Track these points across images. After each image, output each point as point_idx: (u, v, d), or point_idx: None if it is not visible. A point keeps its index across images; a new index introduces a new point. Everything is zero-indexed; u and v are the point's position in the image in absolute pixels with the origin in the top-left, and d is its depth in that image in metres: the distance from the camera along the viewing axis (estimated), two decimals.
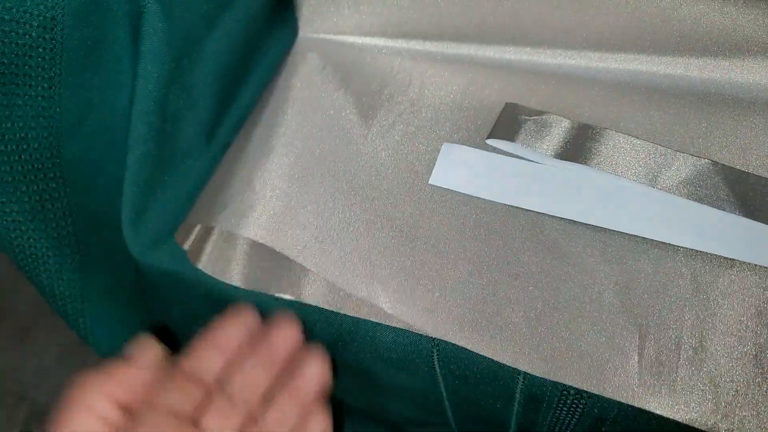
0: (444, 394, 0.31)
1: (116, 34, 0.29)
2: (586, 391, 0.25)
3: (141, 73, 0.28)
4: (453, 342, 0.26)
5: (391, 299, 0.27)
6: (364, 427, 0.41)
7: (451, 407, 0.33)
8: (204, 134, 0.32)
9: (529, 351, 0.25)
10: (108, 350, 0.36)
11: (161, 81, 0.28)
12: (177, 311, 0.36)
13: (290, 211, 0.29)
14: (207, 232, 0.31)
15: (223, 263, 0.30)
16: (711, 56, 0.30)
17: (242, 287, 0.29)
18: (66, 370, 0.89)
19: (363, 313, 0.28)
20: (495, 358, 0.25)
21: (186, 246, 0.30)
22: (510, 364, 0.25)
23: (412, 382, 0.30)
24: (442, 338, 0.26)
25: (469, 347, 0.26)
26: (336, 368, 0.30)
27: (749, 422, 0.23)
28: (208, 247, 0.30)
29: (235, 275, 0.30)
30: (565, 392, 0.25)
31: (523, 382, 0.26)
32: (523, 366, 0.25)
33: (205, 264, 0.30)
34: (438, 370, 0.28)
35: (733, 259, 0.25)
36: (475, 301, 0.26)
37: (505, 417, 0.30)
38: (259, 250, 0.30)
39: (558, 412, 0.27)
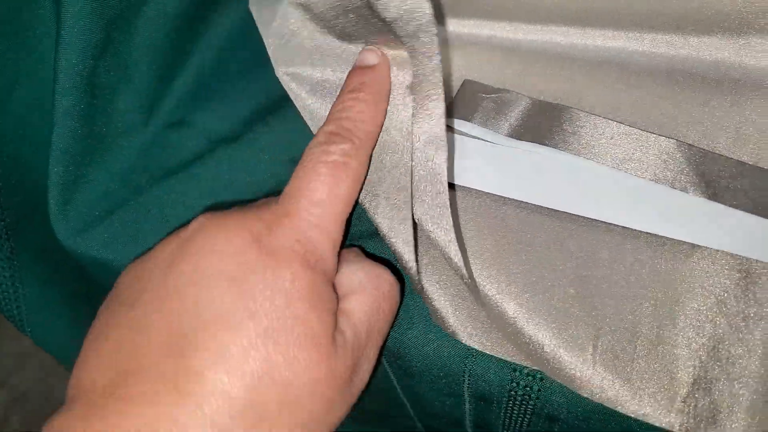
0: (398, 388, 0.29)
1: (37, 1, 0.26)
2: (533, 391, 0.23)
3: (63, 43, 0.26)
4: None
5: None
6: None
7: (408, 402, 0.31)
8: (142, 110, 0.29)
9: (481, 332, 0.24)
10: (49, 343, 0.34)
11: (87, 52, 0.26)
12: None
13: None
14: None
15: None
16: (679, 32, 0.28)
17: None
18: (45, 355, 0.87)
19: None
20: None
21: None
22: (463, 340, 0.24)
23: None
24: None
25: None
26: None
27: (705, 415, 0.21)
28: None
29: None
30: (512, 392, 0.24)
31: (468, 380, 0.24)
32: (474, 343, 0.24)
33: None
34: (384, 362, 0.26)
35: (695, 245, 0.23)
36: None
37: (459, 415, 0.28)
38: None
39: (509, 411, 0.25)
